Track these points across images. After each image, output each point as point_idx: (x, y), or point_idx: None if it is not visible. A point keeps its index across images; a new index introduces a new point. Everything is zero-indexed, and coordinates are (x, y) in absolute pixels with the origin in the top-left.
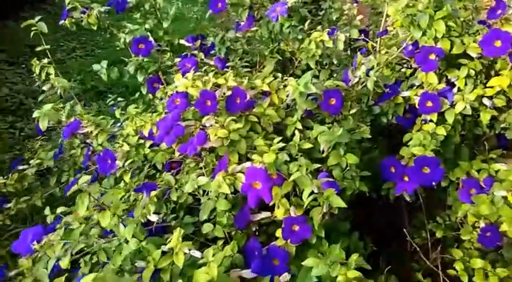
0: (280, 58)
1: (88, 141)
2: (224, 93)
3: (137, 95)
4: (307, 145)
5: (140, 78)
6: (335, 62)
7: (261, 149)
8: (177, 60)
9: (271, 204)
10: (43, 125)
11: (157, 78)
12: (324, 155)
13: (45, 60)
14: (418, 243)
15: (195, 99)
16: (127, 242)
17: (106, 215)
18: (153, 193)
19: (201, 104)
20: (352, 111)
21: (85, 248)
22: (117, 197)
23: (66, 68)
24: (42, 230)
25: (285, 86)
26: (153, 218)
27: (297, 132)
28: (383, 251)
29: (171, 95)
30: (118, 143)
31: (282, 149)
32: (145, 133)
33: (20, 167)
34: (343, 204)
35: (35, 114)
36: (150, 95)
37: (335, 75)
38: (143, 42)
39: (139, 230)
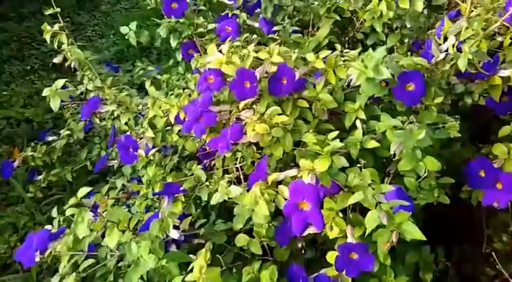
0: (339, 18)
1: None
2: (267, 72)
3: (171, 62)
4: (373, 144)
5: (173, 43)
6: (408, 25)
7: (311, 148)
8: (212, 26)
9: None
10: (55, 105)
11: (193, 43)
12: (395, 158)
13: (57, 27)
14: (496, 249)
15: (231, 79)
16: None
17: (114, 233)
18: (178, 199)
19: (238, 86)
20: (437, 100)
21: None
22: (124, 213)
23: (111, 21)
24: (48, 236)
25: (345, 62)
26: (174, 234)
27: (358, 122)
28: (453, 248)
29: (203, 71)
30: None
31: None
32: (172, 119)
33: (50, 138)
34: (420, 236)
35: (45, 93)
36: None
37: (406, 40)
38: (176, 0)
39: (158, 245)
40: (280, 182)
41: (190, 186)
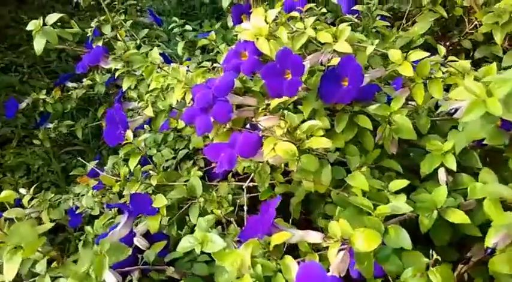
0: (445, 15)
1: None
2: (323, 63)
3: (218, 25)
4: (459, 218)
5: (225, 3)
6: None
7: (356, 201)
8: None
9: None
10: (38, 46)
11: (248, 7)
12: (492, 254)
13: None
14: None
15: (267, 62)
16: None
17: (15, 258)
18: (140, 227)
19: (274, 74)
20: None
21: None
22: (31, 232)
23: None
24: None
25: (450, 75)
26: (110, 279)
27: (442, 173)
28: None
29: (237, 43)
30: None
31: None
32: (173, 102)
33: (70, 84)
34: None
35: (30, 26)
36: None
37: None
38: None
39: None
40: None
41: (179, 198)
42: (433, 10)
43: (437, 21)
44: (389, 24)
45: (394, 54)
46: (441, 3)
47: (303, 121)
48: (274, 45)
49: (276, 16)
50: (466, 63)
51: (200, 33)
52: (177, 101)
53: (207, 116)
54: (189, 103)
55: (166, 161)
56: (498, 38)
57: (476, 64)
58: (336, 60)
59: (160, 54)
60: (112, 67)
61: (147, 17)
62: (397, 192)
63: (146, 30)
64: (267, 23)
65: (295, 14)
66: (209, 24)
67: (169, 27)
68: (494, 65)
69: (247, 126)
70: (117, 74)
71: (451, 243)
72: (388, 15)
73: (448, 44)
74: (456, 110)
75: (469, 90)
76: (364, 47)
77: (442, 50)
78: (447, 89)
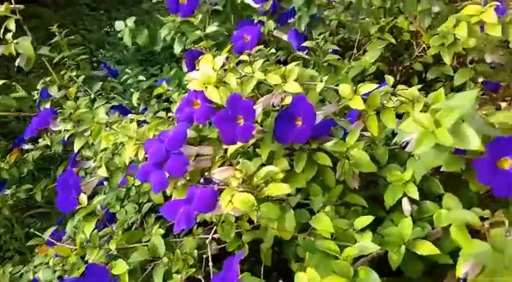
0: (393, 41)
1: None
2: (275, 105)
3: (173, 72)
4: (427, 249)
5: (177, 50)
6: (488, 60)
7: (323, 245)
8: (213, 29)
9: None
10: None
11: (200, 52)
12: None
13: (2, 8)
14: None
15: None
16: None
17: None
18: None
19: (226, 122)
20: None
21: None
22: None
23: (147, 19)
24: None
25: (401, 103)
26: None
27: (406, 203)
28: None
29: (188, 92)
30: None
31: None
32: (126, 159)
33: (26, 146)
34: None
35: None
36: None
37: (480, 80)
38: None
39: None
40: None
41: (141, 260)
42: (381, 38)
43: (387, 47)
44: (339, 57)
45: (344, 89)
46: (388, 30)
47: (263, 165)
48: (224, 92)
49: (224, 62)
50: (415, 90)
51: (160, 79)
52: (131, 158)
53: (161, 172)
54: (142, 160)
55: (131, 217)
56: (447, 59)
57: (430, 85)
58: (289, 99)
59: (116, 106)
60: (62, 129)
61: (101, 69)
62: (363, 229)
63: (100, 84)
64: (215, 70)
65: (244, 57)
66: (169, 68)
67: (123, 78)
68: (441, 90)
69: (202, 180)
70: (66, 136)
71: (425, 272)
72: (337, 48)
73: (400, 68)
74: (407, 143)
75: (417, 122)
76: (314, 84)
77: (390, 80)
78: (402, 115)
